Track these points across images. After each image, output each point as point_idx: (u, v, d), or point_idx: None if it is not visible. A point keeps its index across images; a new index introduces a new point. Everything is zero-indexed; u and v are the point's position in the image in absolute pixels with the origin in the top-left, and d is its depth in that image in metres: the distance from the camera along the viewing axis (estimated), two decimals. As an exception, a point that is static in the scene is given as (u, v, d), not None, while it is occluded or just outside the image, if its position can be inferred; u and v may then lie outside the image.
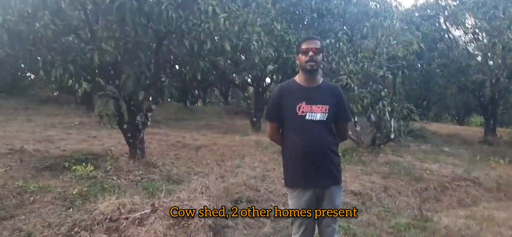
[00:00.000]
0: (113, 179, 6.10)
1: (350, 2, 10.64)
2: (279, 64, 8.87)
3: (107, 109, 5.60)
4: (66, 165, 6.51)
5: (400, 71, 8.76)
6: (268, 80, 12.85)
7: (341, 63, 8.04)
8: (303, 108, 2.85)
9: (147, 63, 5.89)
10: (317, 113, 2.86)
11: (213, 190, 5.72)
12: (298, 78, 2.98)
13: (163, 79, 6.47)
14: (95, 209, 4.33)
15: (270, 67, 6.73)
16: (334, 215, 2.96)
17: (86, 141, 8.79)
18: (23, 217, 4.60)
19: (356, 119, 9.06)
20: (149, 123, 7.12)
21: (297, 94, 2.89)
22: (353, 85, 7.44)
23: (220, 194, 5.64)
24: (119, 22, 4.98)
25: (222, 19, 5.03)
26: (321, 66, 2.98)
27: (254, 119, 12.66)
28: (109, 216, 4.22)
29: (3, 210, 4.66)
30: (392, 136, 8.14)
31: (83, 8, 4.95)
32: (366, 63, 7.84)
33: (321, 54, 2.90)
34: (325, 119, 2.87)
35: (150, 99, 6.32)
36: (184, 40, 5.46)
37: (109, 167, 6.50)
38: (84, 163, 6.43)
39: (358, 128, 9.08)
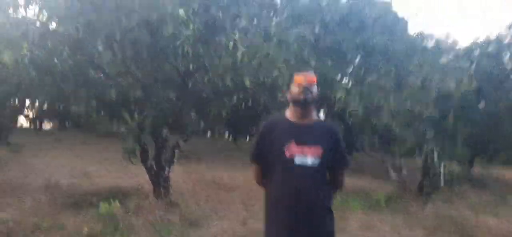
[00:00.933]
0: (132, 219, 5.90)
1: (396, 38, 10.03)
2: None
3: (126, 145, 5.44)
4: (93, 201, 6.48)
5: (452, 111, 7.92)
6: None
7: (383, 102, 7.42)
8: (292, 149, 2.37)
9: (170, 99, 5.72)
10: (308, 156, 2.37)
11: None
12: (289, 113, 2.51)
13: (192, 115, 6.33)
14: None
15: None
16: None
17: (121, 177, 8.81)
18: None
19: (402, 163, 8.27)
20: (175, 160, 6.91)
21: (285, 132, 2.44)
22: (393, 125, 6.78)
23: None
24: (135, 57, 4.87)
25: (240, 54, 4.76)
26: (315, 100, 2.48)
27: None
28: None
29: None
30: (442, 182, 7.27)
31: (102, 42, 4.91)
32: (410, 101, 7.17)
33: (317, 87, 2.46)
34: (317, 164, 2.38)
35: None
36: (205, 76, 5.22)
37: (132, 206, 6.34)
38: (111, 200, 6.35)
39: (404, 172, 8.27)
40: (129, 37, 4.56)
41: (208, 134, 24.19)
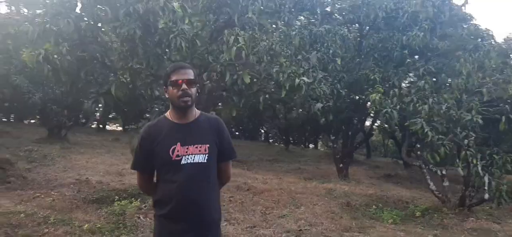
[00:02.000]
0: (139, 218, 5.87)
1: (446, 33, 9.14)
2: (339, 103, 7.88)
3: (133, 145, 5.40)
4: (115, 199, 6.57)
5: (503, 117, 6.99)
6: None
7: (419, 105, 6.75)
8: (178, 150, 2.30)
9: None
10: (194, 155, 2.31)
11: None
12: (170, 114, 2.42)
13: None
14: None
15: (319, 105, 5.88)
16: None
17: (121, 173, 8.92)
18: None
19: (443, 172, 7.45)
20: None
21: (169, 135, 2.35)
22: (426, 130, 6.10)
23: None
24: (131, 52, 4.80)
25: (234, 49, 4.50)
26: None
27: (341, 165, 11.58)
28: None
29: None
30: (486, 195, 6.43)
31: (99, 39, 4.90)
32: (446, 104, 6.43)
33: (195, 85, 2.37)
34: (205, 161, 2.33)
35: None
36: (206, 73, 5.04)
37: (145, 205, 6.33)
38: (132, 199, 6.42)
39: (446, 184, 7.45)
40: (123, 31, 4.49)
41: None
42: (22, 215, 5.45)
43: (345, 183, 10.47)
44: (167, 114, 2.44)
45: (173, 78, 2.32)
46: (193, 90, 2.34)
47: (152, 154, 2.35)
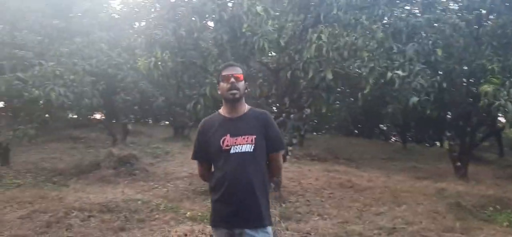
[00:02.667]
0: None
1: None
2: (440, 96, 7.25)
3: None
4: None
5: None
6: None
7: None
8: (227, 141, 2.58)
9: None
10: (242, 145, 2.57)
11: (319, 234, 5.28)
12: (222, 110, 2.72)
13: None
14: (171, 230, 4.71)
15: (415, 99, 5.61)
16: None
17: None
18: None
19: None
20: (288, 157, 7.03)
21: (221, 127, 2.64)
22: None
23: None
24: (221, 55, 5.22)
25: (313, 46, 4.60)
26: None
27: (458, 163, 10.69)
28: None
29: (123, 221, 5.49)
30: None
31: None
32: None
33: (244, 81, 2.64)
34: (252, 150, 2.56)
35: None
36: (289, 70, 5.25)
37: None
38: None
39: None
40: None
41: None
42: (139, 202, 6.30)
43: (462, 183, 9.62)
44: (220, 110, 2.72)
45: (224, 74, 2.62)
46: (241, 85, 2.59)
47: (207, 145, 2.66)
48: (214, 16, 4.84)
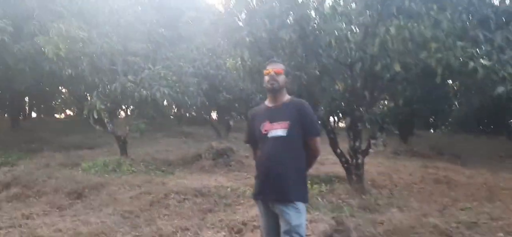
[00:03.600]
0: (317, 199, 6.60)
1: None
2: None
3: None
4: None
5: None
6: None
7: None
8: (266, 127, 2.99)
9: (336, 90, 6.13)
10: (278, 130, 2.95)
11: (392, 224, 5.35)
12: (266, 101, 3.14)
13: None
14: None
15: (501, 88, 5.32)
16: (291, 235, 2.86)
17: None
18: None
19: None
20: (371, 150, 7.10)
21: (263, 115, 3.07)
22: None
23: (396, 230, 5.16)
24: (291, 54, 5.59)
25: (377, 40, 4.72)
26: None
27: None
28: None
29: (211, 204, 6.18)
30: None
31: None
32: None
33: (283, 76, 3.04)
34: (285, 134, 2.92)
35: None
36: (360, 64, 5.44)
37: (325, 189, 7.06)
38: (318, 183, 7.37)
39: None
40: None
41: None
42: (228, 189, 7.00)
43: None
44: (266, 101, 3.15)
45: (266, 69, 3.08)
46: (280, 79, 3.01)
47: (253, 130, 3.12)
48: (281, 18, 5.23)
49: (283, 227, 2.90)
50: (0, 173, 8.08)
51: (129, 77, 7.70)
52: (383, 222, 5.60)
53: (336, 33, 5.07)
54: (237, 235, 4.74)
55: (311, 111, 3.08)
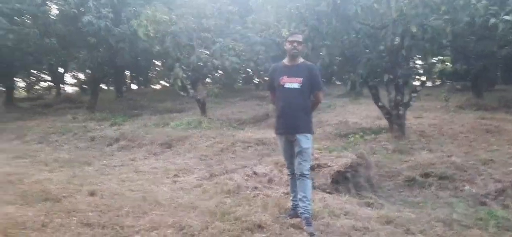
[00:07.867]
0: (358, 145, 7.67)
1: None
2: None
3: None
4: (356, 133, 8.68)
5: None
6: None
7: None
8: (284, 80, 3.99)
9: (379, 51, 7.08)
10: (293, 83, 3.95)
11: (416, 161, 6.29)
12: (285, 60, 4.11)
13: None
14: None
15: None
16: (302, 154, 3.93)
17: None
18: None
19: None
20: (412, 103, 7.93)
21: (282, 71, 4.05)
22: None
23: (416, 165, 6.15)
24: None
25: (394, 6, 5.64)
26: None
27: None
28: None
29: (269, 150, 7.60)
30: None
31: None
32: None
33: (302, 44, 4.04)
34: (299, 87, 3.93)
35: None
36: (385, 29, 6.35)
37: (369, 138, 8.10)
38: (365, 133, 8.47)
39: None
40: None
41: None
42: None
43: None
44: (284, 60, 4.18)
45: (290, 39, 4.05)
46: (300, 47, 4.01)
47: (273, 81, 4.13)
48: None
49: (296, 149, 4.00)
50: (111, 131, 10.34)
51: (204, 50, 9.27)
52: (409, 160, 6.57)
53: (361, 2, 6.05)
54: (281, 168, 6.06)
55: (318, 72, 4.13)
